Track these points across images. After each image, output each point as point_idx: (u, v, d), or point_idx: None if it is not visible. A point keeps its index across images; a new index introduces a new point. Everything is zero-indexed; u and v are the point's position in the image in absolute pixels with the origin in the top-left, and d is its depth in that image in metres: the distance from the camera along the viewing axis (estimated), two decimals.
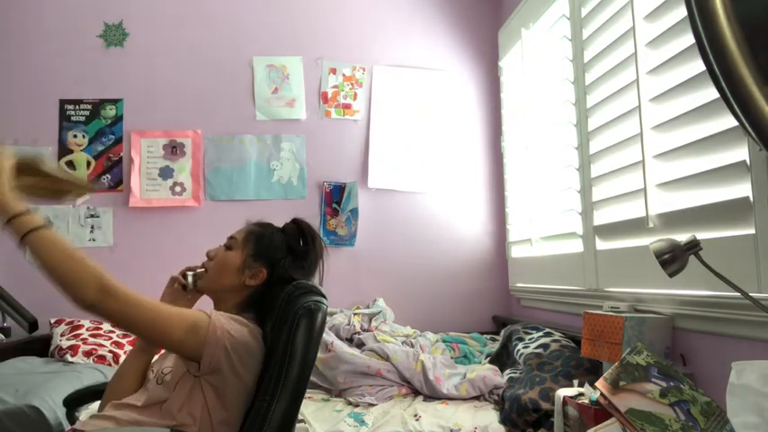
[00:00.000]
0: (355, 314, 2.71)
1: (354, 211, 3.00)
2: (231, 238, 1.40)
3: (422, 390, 2.19)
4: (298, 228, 1.43)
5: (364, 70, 3.10)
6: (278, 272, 1.36)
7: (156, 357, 1.38)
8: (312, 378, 2.19)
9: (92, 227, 2.91)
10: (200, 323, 1.16)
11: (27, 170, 1.19)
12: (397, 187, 3.07)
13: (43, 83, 2.95)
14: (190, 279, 1.38)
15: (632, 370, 1.24)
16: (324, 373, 2.29)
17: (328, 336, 2.41)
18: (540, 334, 2.21)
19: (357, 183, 3.02)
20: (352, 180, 3.03)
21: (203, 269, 1.38)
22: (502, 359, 2.39)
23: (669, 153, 1.60)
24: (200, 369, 1.17)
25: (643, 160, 1.69)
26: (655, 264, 1.24)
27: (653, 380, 1.22)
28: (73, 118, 2.96)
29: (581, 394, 1.58)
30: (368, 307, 2.87)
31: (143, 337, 1.21)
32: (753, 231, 1.32)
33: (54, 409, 1.88)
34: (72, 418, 1.49)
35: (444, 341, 2.67)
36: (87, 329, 2.60)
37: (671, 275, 1.23)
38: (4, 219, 1.08)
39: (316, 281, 1.40)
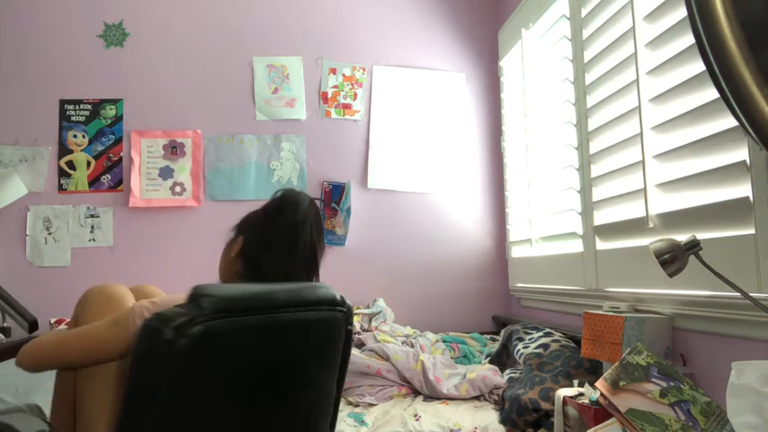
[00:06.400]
0: (355, 314, 2.71)
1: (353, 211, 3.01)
2: None
3: (422, 390, 2.19)
4: None
5: (364, 70, 3.10)
6: None
7: None
8: None
9: (92, 227, 2.91)
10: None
11: None
12: (397, 187, 3.07)
13: (43, 83, 2.94)
14: None
15: (632, 370, 1.24)
16: None
17: None
18: (540, 334, 2.21)
19: (357, 182, 3.02)
20: (353, 180, 3.03)
21: None
22: (502, 359, 2.39)
23: (669, 153, 1.60)
24: None
25: (643, 160, 1.69)
26: (655, 264, 1.24)
27: (653, 380, 1.22)
28: (73, 118, 2.96)
29: (581, 394, 1.58)
30: (368, 307, 2.86)
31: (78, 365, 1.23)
32: (753, 231, 1.32)
33: None
34: None
35: (444, 341, 2.67)
36: None
37: (671, 275, 1.23)
38: None
39: None
